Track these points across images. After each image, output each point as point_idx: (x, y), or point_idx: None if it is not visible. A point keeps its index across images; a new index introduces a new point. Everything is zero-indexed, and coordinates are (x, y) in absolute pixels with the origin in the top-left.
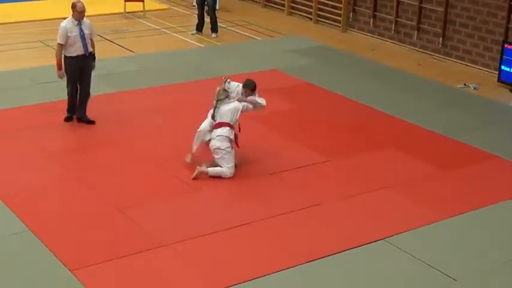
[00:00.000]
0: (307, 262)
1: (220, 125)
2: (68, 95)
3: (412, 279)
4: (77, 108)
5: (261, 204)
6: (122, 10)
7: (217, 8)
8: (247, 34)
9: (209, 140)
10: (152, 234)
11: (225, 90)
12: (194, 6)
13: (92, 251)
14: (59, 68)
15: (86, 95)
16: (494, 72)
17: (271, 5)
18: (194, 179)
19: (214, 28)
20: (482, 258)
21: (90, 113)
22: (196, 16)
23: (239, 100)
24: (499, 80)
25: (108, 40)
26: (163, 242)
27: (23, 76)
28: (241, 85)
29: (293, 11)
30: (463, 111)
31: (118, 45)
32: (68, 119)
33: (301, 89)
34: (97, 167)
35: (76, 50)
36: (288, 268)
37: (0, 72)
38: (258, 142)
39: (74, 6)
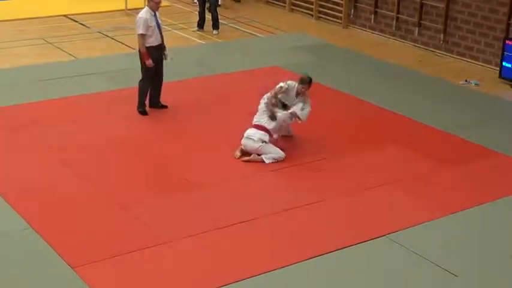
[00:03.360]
0: (309, 259)
1: (260, 127)
2: (144, 88)
3: (413, 275)
4: (151, 97)
5: (263, 200)
6: (123, 7)
7: (219, 3)
8: (248, 31)
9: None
10: (154, 231)
11: (281, 87)
12: (195, 3)
13: (93, 248)
14: (147, 57)
15: (161, 82)
16: (496, 68)
17: (272, 1)
18: (247, 161)
19: (215, 25)
20: (483, 254)
21: (92, 112)
22: (197, 13)
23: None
24: (500, 76)
25: (110, 37)
26: (165, 239)
27: (22, 73)
28: (296, 85)
29: (294, 7)
30: (464, 108)
31: (119, 42)
32: (145, 113)
33: None
34: (101, 164)
35: (155, 39)
36: (290, 265)
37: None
38: None
39: None
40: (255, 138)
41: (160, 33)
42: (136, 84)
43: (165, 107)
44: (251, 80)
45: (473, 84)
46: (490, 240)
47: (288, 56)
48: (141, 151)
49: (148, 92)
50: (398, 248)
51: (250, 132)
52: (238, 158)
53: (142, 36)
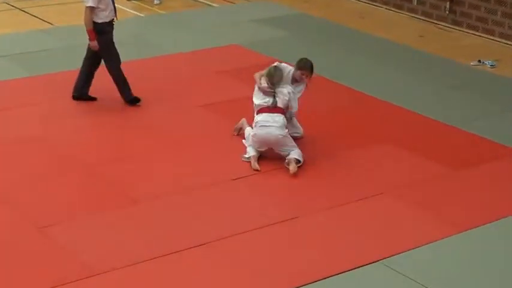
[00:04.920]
0: None
1: (276, 110)
2: (119, 73)
3: None
4: (80, 83)
5: (222, 218)
6: None
7: None
8: (199, 0)
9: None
10: (82, 260)
11: (276, 68)
12: None
13: (5, 283)
14: (93, 37)
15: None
16: None
17: None
18: (295, 173)
19: None
20: (504, 284)
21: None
22: None
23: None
24: None
25: (18, 9)
26: (97, 269)
27: None
28: (292, 69)
29: None
30: (477, 95)
31: (32, 15)
32: (136, 100)
33: None
34: (10, 173)
35: (109, 14)
36: None
37: None
38: (214, 138)
39: None
40: (278, 124)
41: (114, 7)
42: (60, 69)
43: (94, 99)
44: (203, 63)
45: (489, 66)
46: (507, 264)
47: (251, 31)
48: (65, 156)
49: (80, 78)
50: (396, 276)
51: (265, 118)
52: (255, 169)
53: (91, 10)
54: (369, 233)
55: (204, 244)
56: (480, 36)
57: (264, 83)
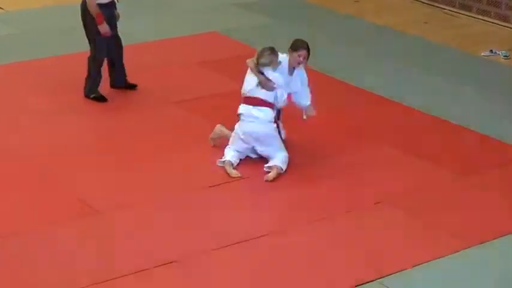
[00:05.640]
0: None
1: (259, 102)
2: (97, 66)
3: None
4: (112, 73)
5: (195, 231)
6: None
7: None
8: None
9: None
10: (34, 280)
11: (272, 50)
12: None
13: None
14: (101, 20)
15: (122, 50)
16: None
17: None
18: (272, 180)
19: None
20: None
21: None
22: None
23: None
24: None
25: None
26: None
27: None
28: (287, 58)
29: None
30: (488, 91)
31: None
32: (102, 99)
33: None
34: None
35: None
36: None
37: None
38: (189, 139)
39: None
40: (264, 118)
41: None
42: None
43: (134, 86)
44: (177, 53)
45: (502, 57)
46: None
47: (232, 17)
48: (19, 161)
49: (107, 68)
50: None
51: (249, 110)
52: (234, 176)
53: None
54: (363, 249)
55: (175, 261)
56: (492, 22)
57: (250, 63)
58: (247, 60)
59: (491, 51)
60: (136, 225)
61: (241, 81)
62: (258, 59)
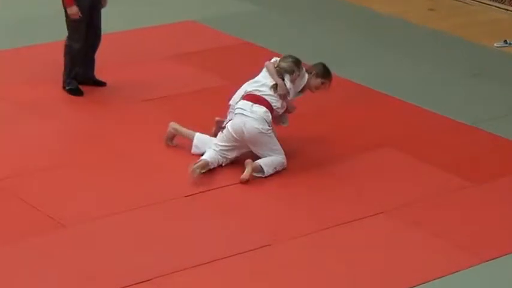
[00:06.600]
0: None
1: (262, 102)
2: (72, 51)
3: None
4: (81, 65)
5: (170, 247)
6: None
7: None
8: None
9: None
10: None
11: (297, 61)
12: None
13: None
14: (70, 2)
15: (98, 42)
16: None
17: None
18: (246, 181)
19: None
20: None
21: None
22: None
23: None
24: None
25: None
26: None
27: None
28: (307, 76)
29: None
30: (502, 86)
31: None
32: (78, 91)
33: (236, 52)
34: None
35: None
36: None
37: None
38: (162, 142)
39: None
40: (256, 116)
41: None
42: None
43: (103, 83)
44: (148, 45)
45: None
46: None
47: (212, 4)
48: None
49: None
50: None
51: (243, 105)
52: (199, 174)
53: None
54: (363, 265)
55: (148, 280)
56: (506, 10)
57: (270, 66)
58: (266, 63)
59: (505, 41)
60: (104, 241)
61: (222, 76)
62: (279, 62)
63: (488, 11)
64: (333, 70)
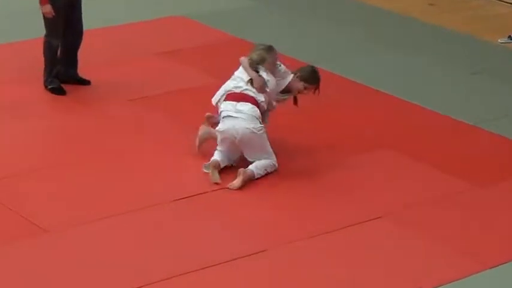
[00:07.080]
0: None
1: (245, 98)
2: (51, 48)
3: None
4: (63, 64)
5: (160, 253)
6: None
7: None
8: None
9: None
10: None
11: (268, 47)
12: None
13: None
14: (44, 0)
15: (79, 39)
16: None
17: None
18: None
19: None
20: None
21: None
22: None
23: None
24: None
25: None
26: None
27: None
28: (291, 76)
29: None
30: (506, 84)
31: None
32: (60, 90)
33: (227, 49)
34: None
35: None
36: None
37: None
38: (151, 143)
39: None
40: (245, 115)
41: None
42: None
43: (87, 82)
44: (135, 41)
45: None
46: None
47: None
48: None
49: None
50: None
51: (227, 107)
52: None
53: None
54: (362, 270)
55: None
56: (511, 4)
57: (244, 61)
58: (241, 58)
59: (509, 37)
60: (90, 246)
61: (212, 74)
62: (250, 54)
63: (491, 5)
64: (330, 67)
